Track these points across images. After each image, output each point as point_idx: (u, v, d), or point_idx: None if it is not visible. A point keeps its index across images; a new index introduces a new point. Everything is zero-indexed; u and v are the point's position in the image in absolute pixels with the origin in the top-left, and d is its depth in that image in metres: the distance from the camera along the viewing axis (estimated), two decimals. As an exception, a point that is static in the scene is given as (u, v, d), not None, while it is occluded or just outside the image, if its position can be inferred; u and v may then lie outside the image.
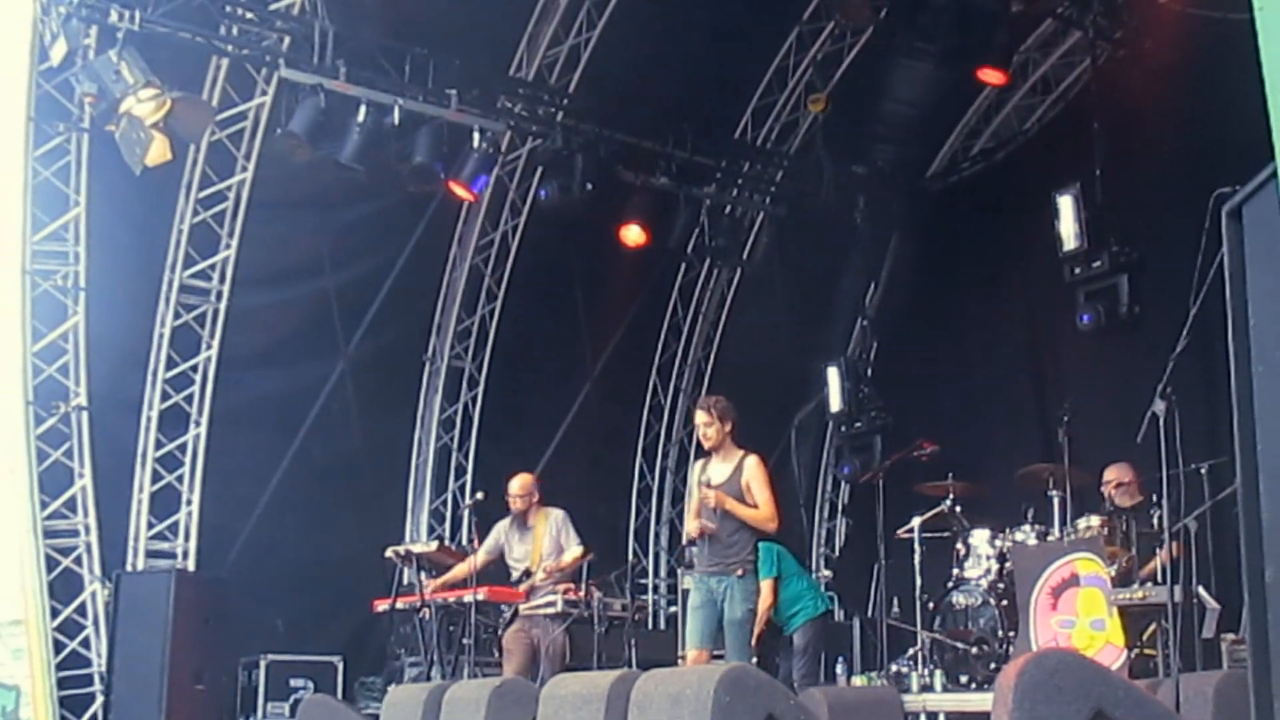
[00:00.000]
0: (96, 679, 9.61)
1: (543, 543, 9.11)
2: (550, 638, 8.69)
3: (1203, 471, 7.16)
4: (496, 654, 9.08)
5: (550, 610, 8.69)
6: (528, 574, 9.06)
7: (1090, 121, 10.26)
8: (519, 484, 9.22)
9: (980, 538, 8.94)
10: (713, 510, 7.37)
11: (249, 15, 9.88)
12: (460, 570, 9.05)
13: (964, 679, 8.51)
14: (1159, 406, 5.62)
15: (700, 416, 7.54)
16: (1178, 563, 6.60)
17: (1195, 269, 4.92)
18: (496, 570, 9.23)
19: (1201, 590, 6.80)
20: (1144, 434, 5.81)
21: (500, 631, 9.00)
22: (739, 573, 7.33)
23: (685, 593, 11.08)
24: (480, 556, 9.10)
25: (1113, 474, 8.69)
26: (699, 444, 7.85)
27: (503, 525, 9.26)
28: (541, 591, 8.88)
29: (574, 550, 9.00)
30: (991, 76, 11.22)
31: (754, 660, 7.34)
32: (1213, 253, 4.99)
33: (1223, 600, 6.83)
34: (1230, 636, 7.09)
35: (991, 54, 10.84)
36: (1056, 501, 8.54)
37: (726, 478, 7.41)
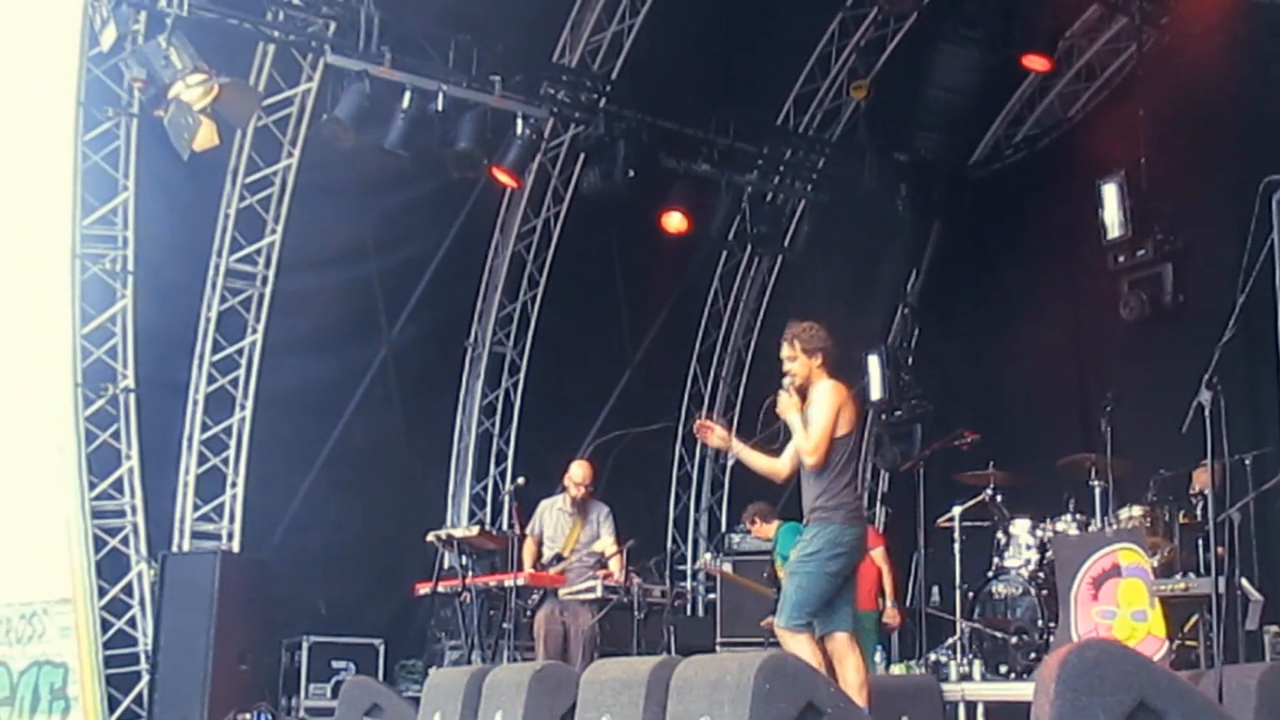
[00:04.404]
0: (142, 658, 9.73)
1: (582, 531, 9.15)
2: (583, 623, 8.73)
3: (1247, 463, 7.10)
4: (530, 638, 9.15)
5: (589, 596, 8.74)
6: (559, 558, 9.11)
7: (1135, 108, 10.17)
8: (586, 472, 9.24)
9: (1021, 527, 8.91)
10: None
11: (295, 1, 9.95)
12: (530, 556, 9.17)
13: (1003, 669, 8.50)
14: (1205, 396, 5.57)
15: (783, 350, 6.63)
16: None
17: (1242, 257, 4.89)
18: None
19: (1245, 582, 6.75)
20: (1189, 424, 5.77)
21: (529, 615, 9.06)
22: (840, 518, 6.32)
23: (722, 580, 11.17)
24: (533, 543, 9.21)
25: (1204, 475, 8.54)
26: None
27: (547, 505, 9.31)
28: (577, 577, 8.93)
29: (610, 544, 9.05)
30: (1036, 63, 11.14)
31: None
32: (1261, 240, 4.96)
33: (1266, 592, 6.78)
34: (1274, 628, 7.06)
35: (1036, 40, 10.77)
36: (1098, 491, 8.49)
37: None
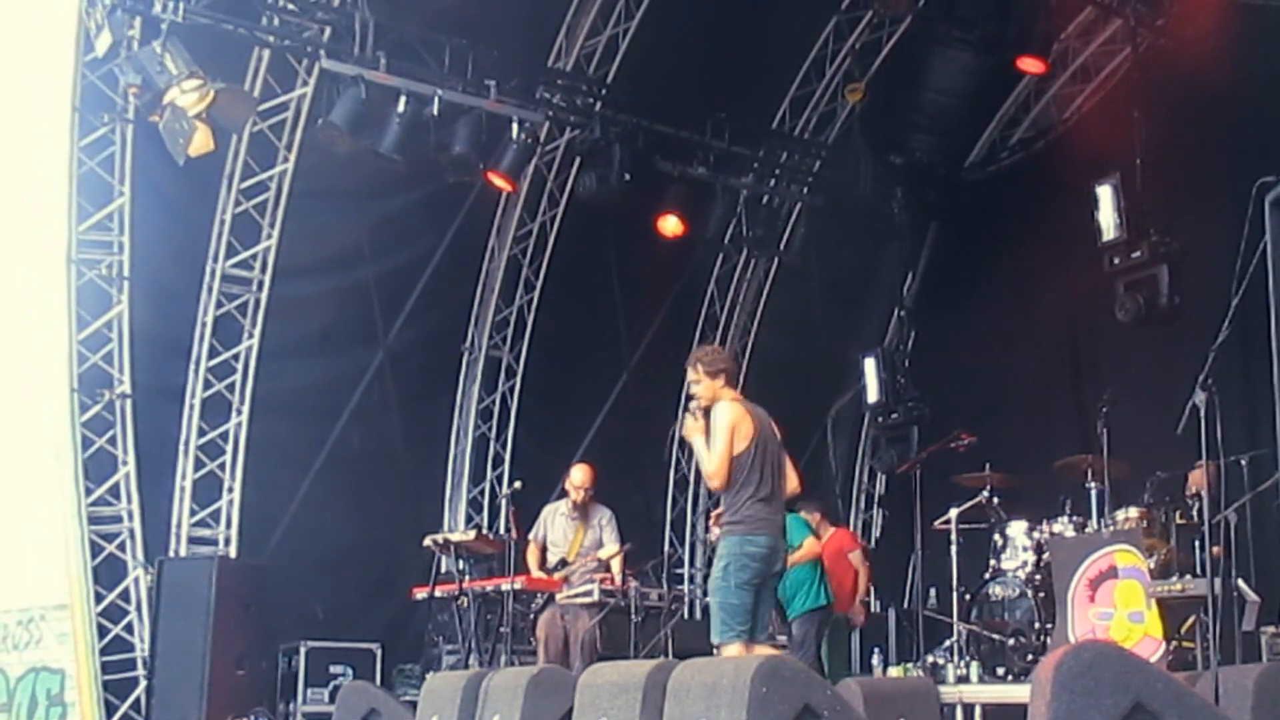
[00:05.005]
0: (139, 664, 9.72)
1: (585, 536, 9.15)
2: (583, 627, 8.74)
3: (1242, 463, 7.11)
4: (532, 641, 9.16)
5: (587, 599, 8.74)
6: (563, 563, 9.12)
7: (1130, 110, 10.21)
8: (587, 475, 9.24)
9: (1018, 529, 8.91)
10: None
11: (290, 7, 9.96)
12: (534, 560, 9.18)
13: (1000, 670, 8.50)
14: (1199, 398, 5.58)
15: (689, 374, 6.80)
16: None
17: (1236, 259, 4.90)
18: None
19: (1241, 583, 6.76)
20: (1184, 425, 5.78)
21: (532, 618, 9.09)
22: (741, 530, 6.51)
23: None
24: (536, 547, 9.21)
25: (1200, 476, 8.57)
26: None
27: (550, 511, 9.31)
28: (578, 580, 8.93)
29: (611, 548, 9.05)
30: (1031, 65, 11.17)
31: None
32: (1255, 242, 4.98)
33: (1263, 593, 6.79)
34: (1270, 629, 7.06)
35: (1031, 42, 10.80)
36: (1095, 493, 8.50)
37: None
